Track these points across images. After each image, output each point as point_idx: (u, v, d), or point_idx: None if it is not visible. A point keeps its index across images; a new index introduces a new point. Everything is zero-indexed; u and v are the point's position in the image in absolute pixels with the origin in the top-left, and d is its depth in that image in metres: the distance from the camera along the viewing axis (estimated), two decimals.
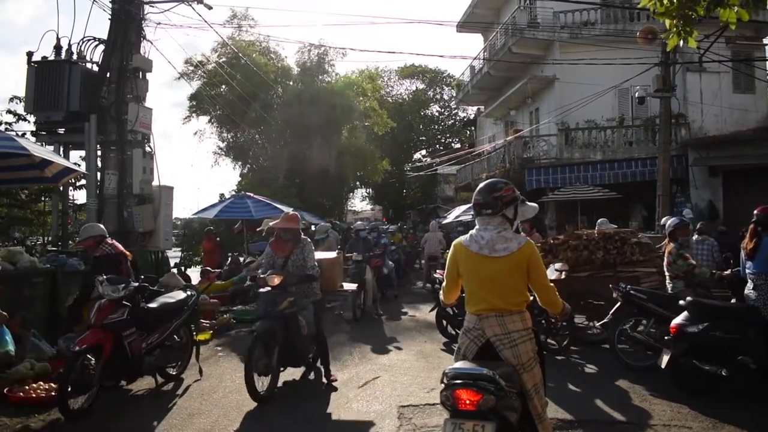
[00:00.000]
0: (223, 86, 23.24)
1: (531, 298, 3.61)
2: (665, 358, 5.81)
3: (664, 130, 14.40)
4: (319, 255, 6.86)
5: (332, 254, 7.66)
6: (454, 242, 3.64)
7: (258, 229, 13.37)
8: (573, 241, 8.39)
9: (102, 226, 7.14)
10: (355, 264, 10.84)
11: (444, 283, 3.76)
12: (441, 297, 3.95)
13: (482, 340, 3.40)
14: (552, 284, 3.59)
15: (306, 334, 5.95)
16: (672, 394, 5.78)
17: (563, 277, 7.06)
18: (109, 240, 6.75)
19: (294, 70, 26.45)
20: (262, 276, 6.02)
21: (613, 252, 8.24)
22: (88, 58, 10.29)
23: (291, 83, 25.87)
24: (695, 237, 9.07)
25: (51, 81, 9.66)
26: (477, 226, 3.52)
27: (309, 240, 6.30)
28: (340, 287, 7.42)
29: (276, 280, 5.80)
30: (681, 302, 6.00)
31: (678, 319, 5.81)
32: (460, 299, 3.80)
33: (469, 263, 3.46)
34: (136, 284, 5.90)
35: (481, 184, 3.62)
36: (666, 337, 5.91)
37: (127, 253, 6.89)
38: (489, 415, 3.02)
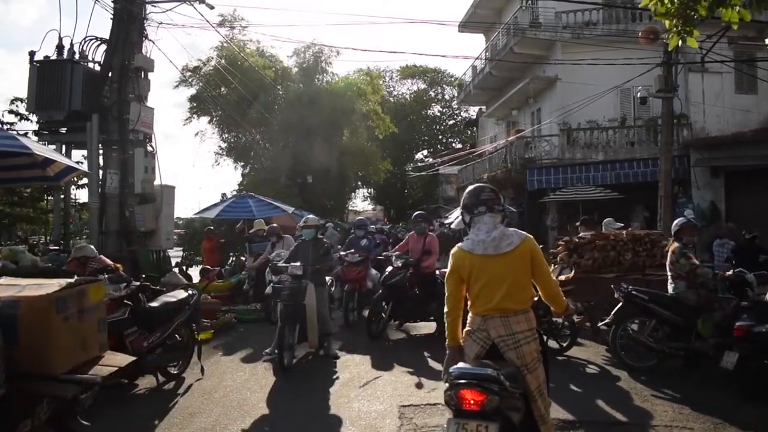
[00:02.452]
0: (223, 88, 23.27)
1: (536, 297, 3.61)
2: (731, 360, 5.77)
3: (666, 131, 14.38)
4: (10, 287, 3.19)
5: (43, 285, 3.22)
6: (453, 251, 3.56)
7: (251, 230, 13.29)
8: (600, 241, 8.24)
9: (92, 248, 7.49)
10: (291, 281, 7.13)
11: (446, 294, 3.58)
12: (446, 309, 3.61)
13: (488, 343, 3.40)
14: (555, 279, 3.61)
15: None
16: (673, 394, 5.78)
17: (562, 278, 7.04)
18: (96, 257, 7.10)
19: (293, 70, 26.45)
20: None
21: (642, 254, 8.07)
22: (90, 58, 10.32)
23: (291, 84, 25.88)
24: (716, 240, 8.91)
25: (53, 80, 9.69)
26: (478, 227, 3.49)
27: None
28: (81, 367, 3.25)
29: None
30: (744, 303, 6.04)
31: (741, 321, 5.81)
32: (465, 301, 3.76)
33: (474, 267, 3.43)
34: (138, 284, 5.92)
35: (475, 188, 3.63)
36: (732, 339, 5.88)
37: (112, 264, 7.14)
38: (492, 415, 3.02)
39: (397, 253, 9.35)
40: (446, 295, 3.58)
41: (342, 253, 10.29)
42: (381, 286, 8.99)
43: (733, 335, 5.86)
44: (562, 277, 7.74)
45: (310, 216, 8.25)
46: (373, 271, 10.65)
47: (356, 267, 9.87)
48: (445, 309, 3.59)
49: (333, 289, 11.02)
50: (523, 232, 3.48)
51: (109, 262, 7.11)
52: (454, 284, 3.54)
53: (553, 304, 3.64)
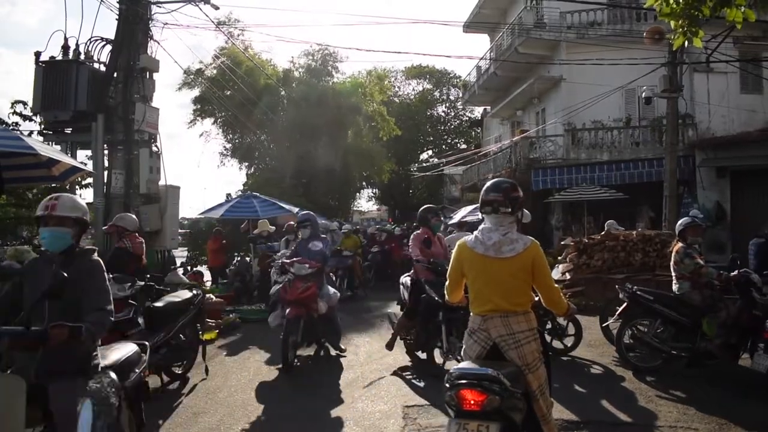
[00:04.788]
0: (228, 91, 23.27)
1: (536, 298, 3.61)
2: (764, 362, 5.69)
3: (671, 131, 14.34)
4: None
5: None
6: (458, 243, 3.63)
7: (255, 230, 13.31)
8: (610, 242, 8.20)
9: (134, 218, 7.51)
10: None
11: (447, 283, 3.75)
12: (446, 296, 3.87)
13: (489, 343, 3.40)
14: (556, 285, 3.60)
15: None
16: (678, 395, 5.76)
17: (568, 277, 7.01)
18: (136, 237, 7.16)
19: (295, 72, 26.44)
20: None
21: (652, 255, 8.00)
22: (95, 58, 10.33)
23: (294, 85, 25.89)
24: (753, 240, 8.79)
25: (59, 81, 9.71)
26: (484, 226, 3.50)
27: None
28: None
29: None
30: None
31: None
32: (466, 300, 3.79)
33: (474, 265, 3.46)
34: (142, 283, 5.93)
35: (490, 183, 3.60)
36: (761, 345, 5.83)
37: (143, 254, 7.16)
38: (493, 415, 3.02)
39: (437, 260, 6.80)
40: (447, 283, 3.74)
41: (285, 260, 7.36)
42: (442, 309, 6.44)
43: (757, 336, 5.80)
44: (565, 275, 7.71)
45: (67, 195, 3.61)
46: (330, 290, 7.55)
47: (302, 283, 6.85)
48: (445, 292, 3.81)
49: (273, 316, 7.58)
50: (528, 238, 3.46)
51: (140, 248, 7.06)
52: (454, 274, 3.62)
53: (554, 309, 3.65)
